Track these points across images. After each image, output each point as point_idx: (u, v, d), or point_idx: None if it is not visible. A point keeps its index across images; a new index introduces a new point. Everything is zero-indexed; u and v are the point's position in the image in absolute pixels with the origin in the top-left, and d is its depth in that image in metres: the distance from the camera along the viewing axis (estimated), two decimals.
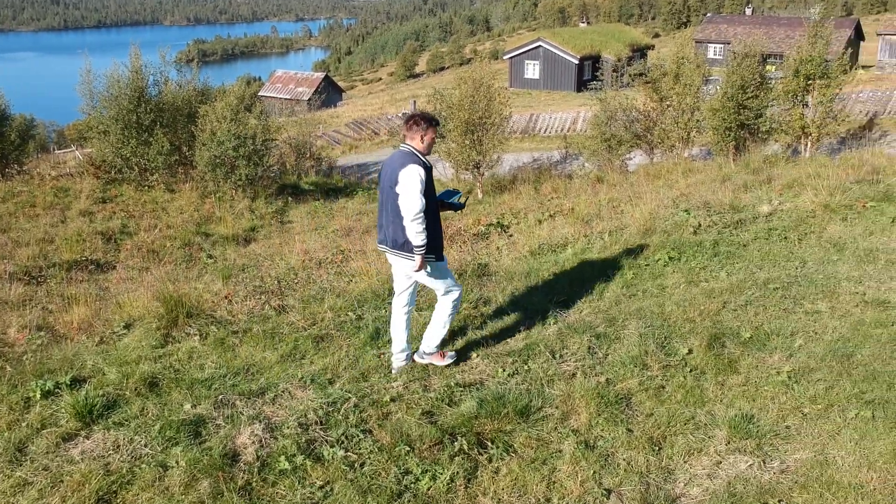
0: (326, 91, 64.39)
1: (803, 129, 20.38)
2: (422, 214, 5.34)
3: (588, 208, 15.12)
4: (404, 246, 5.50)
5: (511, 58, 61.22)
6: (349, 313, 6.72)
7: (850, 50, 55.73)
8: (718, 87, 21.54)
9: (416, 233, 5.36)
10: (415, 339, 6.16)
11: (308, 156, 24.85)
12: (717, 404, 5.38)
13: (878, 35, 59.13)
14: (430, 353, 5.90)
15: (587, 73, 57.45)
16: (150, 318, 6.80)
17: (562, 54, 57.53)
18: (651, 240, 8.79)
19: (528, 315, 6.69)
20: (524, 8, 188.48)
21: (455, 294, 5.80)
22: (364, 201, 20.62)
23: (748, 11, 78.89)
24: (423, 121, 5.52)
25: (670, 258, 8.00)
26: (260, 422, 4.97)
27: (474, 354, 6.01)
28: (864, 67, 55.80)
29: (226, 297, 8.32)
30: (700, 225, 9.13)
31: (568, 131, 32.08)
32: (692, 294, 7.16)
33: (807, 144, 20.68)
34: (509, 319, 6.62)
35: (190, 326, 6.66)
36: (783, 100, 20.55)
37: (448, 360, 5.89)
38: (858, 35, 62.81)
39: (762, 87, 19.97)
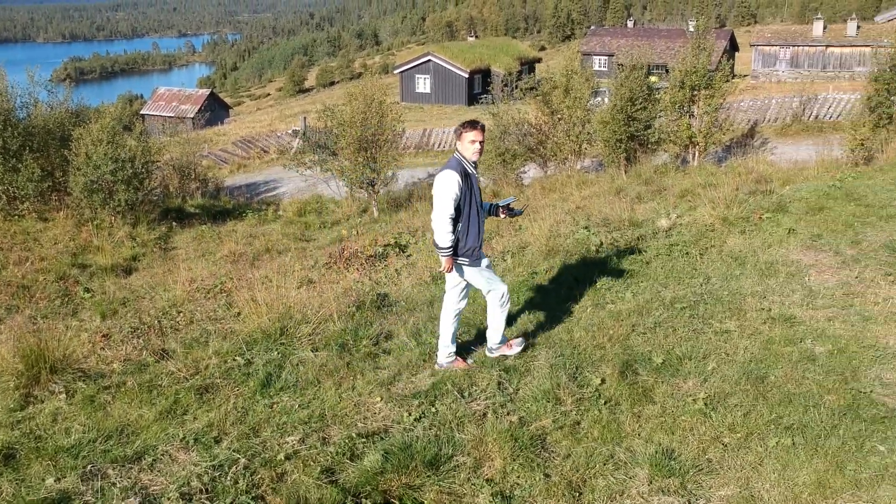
0: (212, 108, 62.62)
1: (690, 138, 20.83)
2: (447, 218, 5.53)
3: (486, 225, 14.86)
4: (436, 246, 5.72)
5: (401, 72, 61.08)
6: (236, 358, 6.13)
7: (727, 60, 58.20)
8: (607, 99, 21.83)
9: (441, 235, 5.58)
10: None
11: (193, 177, 23.76)
12: (636, 439, 5.09)
13: (751, 46, 61.96)
14: (498, 347, 6.17)
15: (477, 87, 57.87)
16: (7, 376, 6.00)
17: (452, 68, 57.75)
18: (554, 261, 8.53)
19: (434, 350, 6.27)
20: (412, 22, 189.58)
21: (498, 290, 5.95)
22: (254, 223, 19.81)
23: (630, 24, 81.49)
24: (459, 126, 5.74)
25: (575, 279, 7.75)
26: (136, 494, 4.36)
27: (377, 398, 5.54)
28: (736, 76, 58.26)
29: (104, 337, 7.58)
30: (602, 243, 8.94)
31: None
32: (600, 317, 6.91)
33: (694, 153, 21.15)
34: (413, 355, 6.18)
35: (55, 383, 5.91)
36: (670, 111, 20.97)
37: (517, 348, 6.16)
38: (733, 46, 65.71)
39: (650, 98, 20.30)
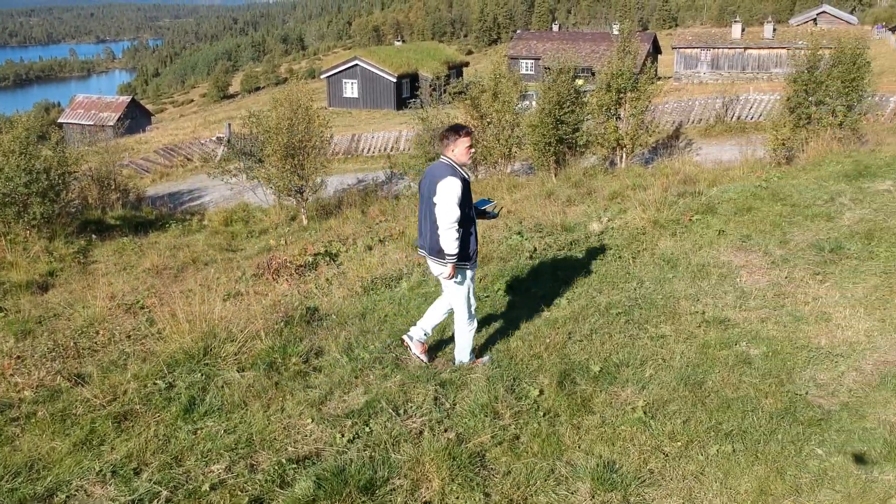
0: (133, 115, 60.93)
1: (618, 141, 21.03)
2: (456, 224, 5.58)
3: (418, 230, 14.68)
4: (440, 253, 5.73)
5: (328, 77, 60.49)
6: (157, 381, 5.77)
7: (650, 62, 59.28)
8: (535, 103, 21.88)
9: (450, 241, 5.61)
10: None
11: (113, 187, 22.93)
12: (576, 451, 4.96)
13: (673, 48, 63.32)
14: (466, 363, 6.09)
15: (406, 91, 57.69)
16: None
17: (379, 73, 57.44)
18: (489, 268, 8.39)
19: (367, 365, 6.04)
20: (338, 26, 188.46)
21: (463, 314, 5.97)
22: (178, 234, 19.21)
23: (555, 28, 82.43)
24: (451, 132, 5.76)
25: (510, 286, 7.61)
26: None
27: (308, 419, 5.28)
28: (660, 78, 59.46)
29: (17, 359, 7.12)
30: (535, 249, 8.84)
31: (391, 150, 31.72)
32: (536, 326, 6.78)
33: (622, 156, 21.37)
34: (346, 372, 5.94)
35: None
36: (597, 114, 21.14)
37: (485, 362, 6.10)
38: (656, 48, 66.95)
39: (577, 102, 20.42)
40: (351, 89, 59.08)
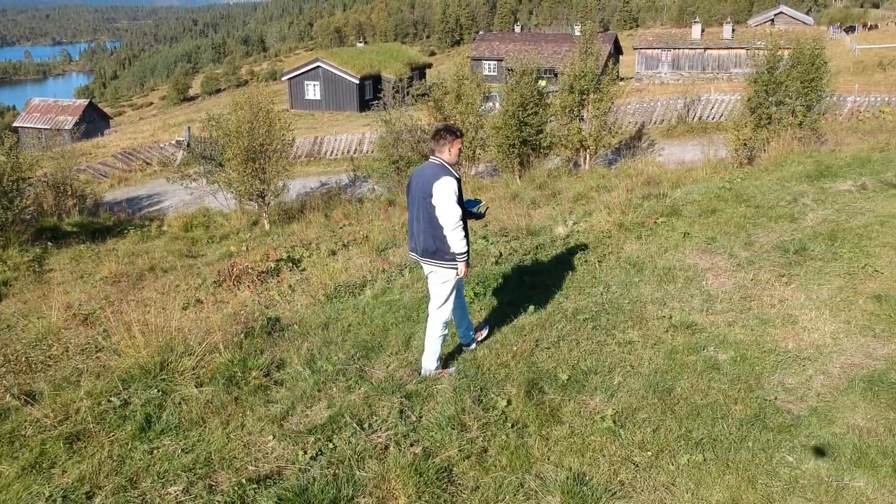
0: (91, 119, 59.94)
1: (581, 142, 21.05)
2: (461, 223, 5.64)
3: (382, 235, 14.58)
4: (435, 254, 5.76)
5: (290, 79, 59.99)
6: (111, 399, 5.55)
7: (612, 63, 59.71)
8: (498, 104, 21.82)
9: (458, 240, 5.65)
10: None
11: (70, 193, 22.42)
12: (546, 464, 4.86)
13: (634, 49, 63.82)
14: (432, 372, 5.99)
15: (369, 93, 57.43)
16: None
17: (342, 74, 57.10)
18: None
19: (330, 378, 5.88)
20: (300, 28, 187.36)
21: (444, 314, 5.93)
22: (137, 241, 18.83)
23: (517, 29, 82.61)
24: (449, 133, 5.76)
25: (476, 294, 7.49)
26: None
27: (269, 436, 5.11)
28: (623, 79, 59.91)
29: None
30: (501, 254, 8.73)
31: (354, 153, 31.47)
32: (503, 333, 6.67)
33: (586, 157, 21.40)
34: (308, 385, 5.77)
35: None
36: (561, 115, 21.15)
37: (451, 373, 6.01)
38: (617, 49, 67.47)
39: (541, 103, 20.41)
40: (313, 91, 58.66)
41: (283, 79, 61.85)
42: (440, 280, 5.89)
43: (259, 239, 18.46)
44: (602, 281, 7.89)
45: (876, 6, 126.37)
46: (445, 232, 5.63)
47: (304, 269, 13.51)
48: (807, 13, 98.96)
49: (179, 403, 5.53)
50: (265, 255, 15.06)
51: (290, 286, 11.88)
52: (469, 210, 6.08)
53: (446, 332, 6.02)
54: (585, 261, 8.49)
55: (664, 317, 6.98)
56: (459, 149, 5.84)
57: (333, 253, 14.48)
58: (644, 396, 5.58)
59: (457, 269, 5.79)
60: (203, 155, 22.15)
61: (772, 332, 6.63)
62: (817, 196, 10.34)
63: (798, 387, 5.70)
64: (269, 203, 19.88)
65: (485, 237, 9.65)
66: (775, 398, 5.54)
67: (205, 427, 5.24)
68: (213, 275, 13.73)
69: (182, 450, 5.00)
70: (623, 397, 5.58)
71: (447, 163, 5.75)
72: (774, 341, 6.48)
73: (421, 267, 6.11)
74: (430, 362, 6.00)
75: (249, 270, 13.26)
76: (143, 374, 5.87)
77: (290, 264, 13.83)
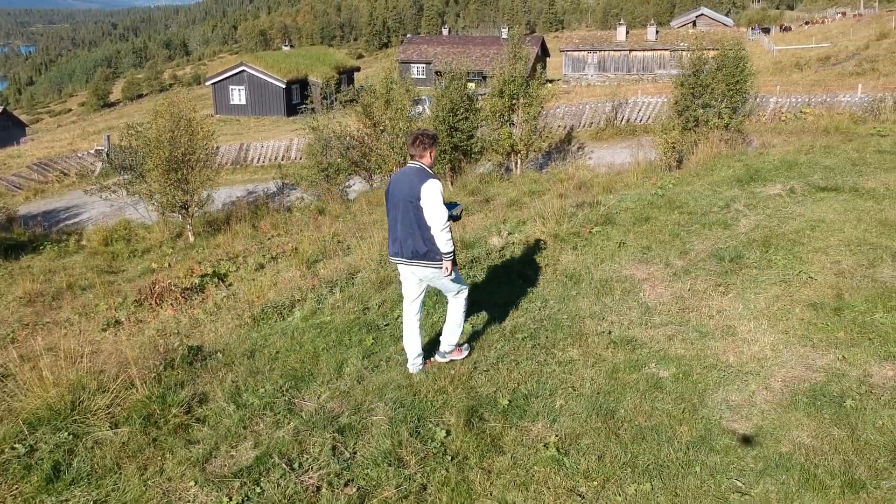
0: (5, 127, 57.63)
1: (512, 147, 20.95)
2: (449, 223, 5.77)
3: (312, 246, 14.19)
4: (426, 255, 5.85)
5: (214, 83, 58.69)
6: (16, 446, 5.07)
7: (540, 66, 60.13)
8: (428, 108, 21.57)
9: (445, 241, 5.77)
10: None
11: None
12: (488, 500, 4.60)
13: (561, 51, 64.40)
14: (450, 351, 6.33)
15: (296, 97, 56.60)
16: None
17: (268, 79, 56.11)
18: (387, 293, 7.94)
19: (257, 412, 5.51)
20: (223, 31, 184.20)
21: (465, 293, 6.23)
22: (54, 256, 17.97)
23: (445, 32, 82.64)
24: (428, 138, 5.93)
25: None
26: None
27: (191, 481, 4.72)
28: (551, 81, 60.41)
29: None
30: None
31: (282, 160, 30.81)
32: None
33: (517, 161, 21.31)
34: (233, 422, 5.39)
35: None
36: (491, 120, 21.01)
37: (465, 353, 6.38)
38: (544, 51, 68.04)
39: (471, 108, 20.22)
40: (238, 96, 57.48)
41: (207, 83, 60.46)
42: (441, 277, 5.97)
43: (183, 252, 17.81)
44: (539, 295, 7.69)
45: (791, 8, 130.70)
46: (434, 232, 5.73)
47: (230, 285, 13.02)
48: (726, 14, 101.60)
49: (92, 448, 5.10)
50: (189, 271, 14.48)
51: (215, 304, 11.41)
52: (449, 213, 6.08)
53: (466, 307, 6.27)
54: (522, 274, 8.27)
55: (604, 332, 6.81)
56: (435, 154, 6.03)
57: (261, 266, 14.02)
58: (587, 420, 5.38)
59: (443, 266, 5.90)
60: (122, 165, 21.28)
61: (712, 346, 6.52)
62: (749, 201, 10.36)
63: (742, 404, 5.58)
64: (193, 214, 19.21)
65: None
66: (720, 417, 5.40)
67: (120, 474, 4.83)
68: (133, 293, 13.12)
69: (94, 501, 4.58)
70: (566, 422, 5.37)
71: (427, 167, 5.91)
72: (715, 355, 6.36)
73: (398, 271, 6.20)
74: (451, 339, 6.26)
75: (172, 288, 12.71)
76: (53, 415, 5.40)
77: (216, 280, 13.32)
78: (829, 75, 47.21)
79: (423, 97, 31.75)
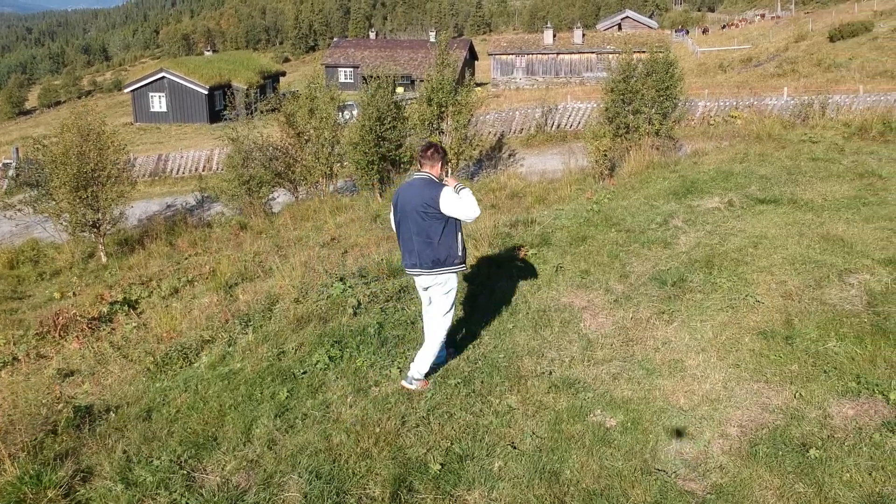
0: None
1: None
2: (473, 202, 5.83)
3: (231, 267, 13.36)
4: (445, 262, 5.94)
5: (133, 90, 56.66)
6: None
7: (468, 70, 59.85)
8: (356, 113, 20.77)
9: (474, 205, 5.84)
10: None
11: None
12: None
13: (489, 55, 64.21)
14: (419, 380, 6.05)
15: (219, 104, 55.05)
16: None
17: (189, 85, 54.42)
18: (306, 332, 7.19)
19: (150, 491, 4.74)
20: (145, 35, 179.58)
21: (450, 319, 6.18)
22: None
23: (372, 35, 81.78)
24: (438, 152, 6.02)
25: (331, 358, 6.46)
26: None
27: None
28: (480, 85, 60.18)
29: None
30: (360, 303, 7.73)
31: (203, 170, 29.60)
32: (363, 409, 5.70)
33: (448, 171, 20.71)
34: None
35: None
36: (420, 128, 20.38)
37: (430, 385, 6.08)
38: (473, 55, 67.85)
39: (399, 117, 19.55)
40: (159, 103, 55.58)
41: (126, 90, 58.32)
42: (444, 290, 6.03)
43: (95, 274, 16.71)
44: (472, 330, 7.07)
45: (711, 10, 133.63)
46: (476, 212, 5.82)
47: (141, 313, 12.12)
48: (650, 17, 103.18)
49: None
50: (98, 297, 13.49)
51: (123, 337, 10.55)
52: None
53: (445, 339, 6.20)
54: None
55: (544, 373, 6.23)
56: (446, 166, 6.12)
57: (176, 291, 13.13)
58: (529, 485, 4.78)
59: (462, 269, 6.14)
60: (27, 182, 19.93)
61: (660, 385, 6.00)
62: (687, 216, 9.95)
63: (698, 458, 5.05)
64: (104, 234, 18.06)
65: (342, 279, 8.64)
66: (676, 476, 4.87)
67: None
68: (36, 324, 12.10)
69: None
70: (506, 489, 4.75)
71: (436, 177, 5.96)
72: (664, 396, 5.85)
73: (414, 282, 6.28)
74: (421, 367, 6.02)
75: (78, 318, 11.73)
76: None
77: (126, 308, 12.38)
78: (752, 76, 48.04)
79: (349, 102, 30.95)
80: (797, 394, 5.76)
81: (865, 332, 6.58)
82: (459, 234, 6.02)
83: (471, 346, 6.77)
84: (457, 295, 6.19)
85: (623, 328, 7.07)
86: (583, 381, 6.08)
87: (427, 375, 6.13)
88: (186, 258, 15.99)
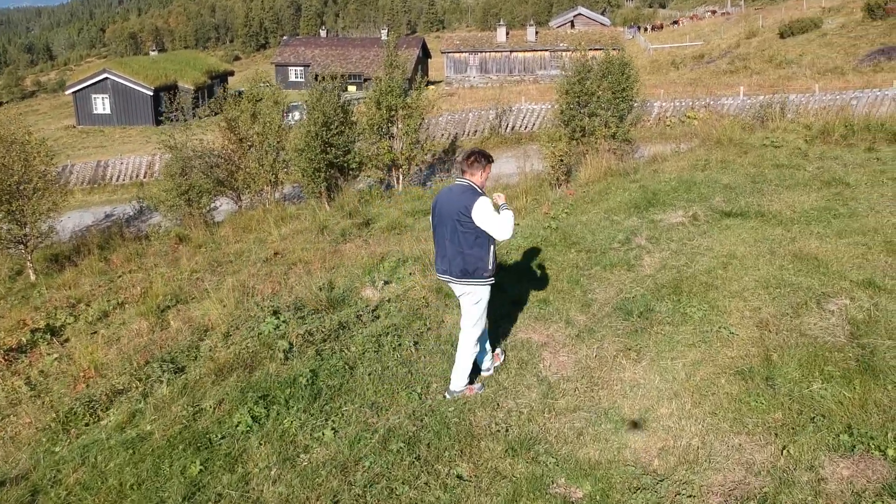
0: None
1: (393, 161, 19.55)
2: (508, 224, 5.78)
3: (166, 287, 12.46)
4: (474, 274, 5.86)
5: (75, 92, 54.70)
6: None
7: (421, 70, 59.05)
8: (304, 115, 19.82)
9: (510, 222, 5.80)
10: None
11: None
12: None
13: (442, 53, 63.41)
14: (460, 391, 6.04)
15: (165, 105, 53.48)
16: None
17: (134, 86, 52.70)
18: (227, 384, 6.32)
19: None
20: (91, 34, 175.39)
21: (481, 327, 6.05)
22: None
23: (323, 33, 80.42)
24: (484, 158, 5.97)
25: (255, 418, 5.62)
26: None
27: None
28: (434, 83, 59.38)
29: None
30: (292, 345, 6.87)
31: (146, 177, 28.35)
32: (289, 485, 4.88)
33: (398, 177, 19.92)
34: None
35: None
36: (369, 133, 19.52)
37: (479, 390, 6.10)
38: (426, 53, 67.03)
39: (346, 122, 18.65)
40: (102, 105, 53.73)
41: (68, 92, 56.28)
42: (474, 300, 5.94)
43: (22, 293, 15.59)
44: (419, 377, 6.28)
45: (663, 6, 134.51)
46: (507, 236, 5.78)
47: (66, 341, 11.19)
48: (602, 13, 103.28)
49: None
50: (19, 323, 12.46)
51: (41, 371, 9.66)
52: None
53: (478, 349, 6.07)
54: (399, 345, 6.84)
55: (500, 430, 5.48)
56: (489, 174, 6.03)
57: (105, 315, 12.17)
58: None
59: (492, 282, 6.01)
60: None
61: (631, 442, 5.29)
62: (651, 233, 9.28)
63: None
64: (33, 249, 16.90)
65: (276, 312, 7.77)
66: None
67: None
68: None
69: None
70: None
71: (477, 185, 5.87)
72: (636, 456, 5.14)
73: (449, 286, 6.20)
74: (459, 382, 6.03)
75: None
76: None
77: (49, 336, 11.42)
78: (705, 73, 48.00)
79: (297, 103, 29.96)
80: (784, 450, 5.10)
81: (852, 371, 5.95)
82: (492, 246, 5.91)
83: (417, 397, 5.98)
84: (487, 306, 6.06)
85: (587, 368, 6.36)
86: (544, 440, 5.34)
87: (472, 376, 6.16)
88: (120, 276, 14.97)
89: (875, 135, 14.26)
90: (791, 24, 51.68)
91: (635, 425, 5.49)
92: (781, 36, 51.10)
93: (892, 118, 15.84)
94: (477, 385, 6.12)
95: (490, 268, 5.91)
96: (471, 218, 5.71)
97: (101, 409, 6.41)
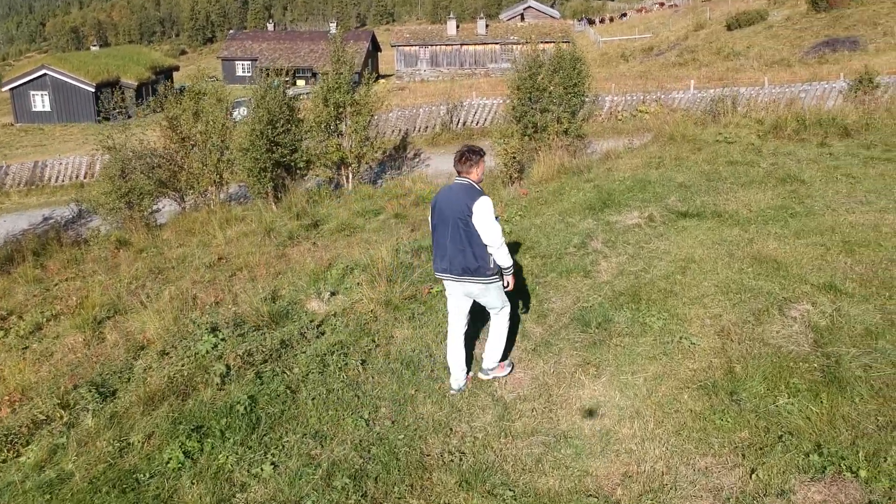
0: None
1: (342, 159, 19.06)
2: (504, 238, 5.83)
3: (104, 296, 11.87)
4: (478, 271, 5.83)
5: (12, 89, 52.88)
6: None
7: (370, 65, 58.44)
8: (249, 111, 19.21)
9: (505, 255, 5.84)
10: None
11: None
12: None
13: (392, 46, 62.76)
14: (493, 368, 6.19)
15: (101, 104, 52.06)
16: None
17: (74, 82, 51.13)
18: (158, 415, 5.83)
19: None
20: (30, 28, 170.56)
21: (508, 309, 6.13)
22: None
23: (270, 27, 79.15)
24: (475, 154, 5.95)
25: (187, 454, 5.16)
26: None
27: None
28: (384, 77, 58.78)
29: None
30: (230, 368, 6.40)
31: (86, 178, 27.37)
32: None
33: (348, 175, 19.44)
34: None
35: None
36: (317, 131, 18.99)
37: (508, 370, 6.24)
38: (375, 46, 66.32)
39: (292, 119, 18.09)
40: (41, 102, 52.04)
41: (5, 89, 54.39)
42: (491, 293, 5.96)
43: None
44: (368, 401, 5.89)
45: None
46: (492, 250, 5.75)
47: None
48: (551, 6, 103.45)
49: None
50: None
51: None
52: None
53: (509, 325, 6.17)
54: (345, 364, 6.43)
55: (452, 459, 5.12)
56: (484, 169, 5.98)
57: (38, 328, 11.54)
58: None
59: (504, 281, 6.00)
60: None
61: (592, 469, 4.98)
62: (607, 236, 8.99)
63: None
64: None
65: (213, 329, 7.30)
66: None
67: None
68: None
69: None
70: None
71: (476, 182, 5.90)
72: (598, 484, 4.84)
73: (445, 287, 6.16)
74: (493, 358, 6.15)
75: None
76: None
77: None
78: (654, 66, 48.21)
79: (242, 99, 29.24)
80: (753, 473, 4.83)
81: (819, 383, 5.71)
82: None
83: (364, 423, 5.58)
84: (505, 295, 6.06)
85: (544, 385, 6.04)
86: (500, 470, 4.99)
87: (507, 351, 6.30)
88: (56, 284, 14.28)
89: (827, 129, 14.20)
90: (738, 16, 52.21)
91: (597, 451, 5.18)
92: (729, 28, 51.58)
93: (843, 112, 15.80)
94: (507, 363, 6.27)
95: (492, 266, 5.83)
96: (472, 215, 5.70)
97: (21, 444, 5.90)
